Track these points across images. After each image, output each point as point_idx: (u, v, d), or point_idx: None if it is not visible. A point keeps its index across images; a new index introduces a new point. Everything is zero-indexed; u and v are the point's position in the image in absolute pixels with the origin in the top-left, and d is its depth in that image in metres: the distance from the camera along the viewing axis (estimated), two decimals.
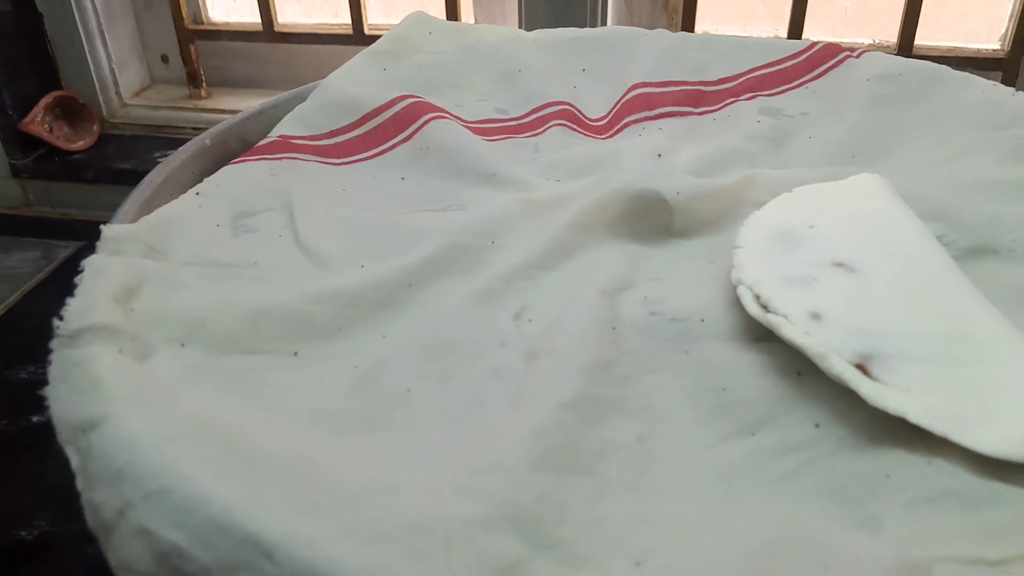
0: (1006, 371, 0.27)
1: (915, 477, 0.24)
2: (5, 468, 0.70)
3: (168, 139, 1.07)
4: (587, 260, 0.34)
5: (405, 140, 0.44)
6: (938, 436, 0.25)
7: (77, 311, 0.28)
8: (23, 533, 0.65)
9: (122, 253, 0.32)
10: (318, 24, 1.05)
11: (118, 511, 0.23)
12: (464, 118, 0.46)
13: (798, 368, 0.28)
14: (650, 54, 0.50)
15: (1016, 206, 0.36)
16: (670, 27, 0.96)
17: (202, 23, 1.08)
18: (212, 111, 1.08)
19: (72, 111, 1.03)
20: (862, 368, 0.26)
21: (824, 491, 0.25)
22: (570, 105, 0.48)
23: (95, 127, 1.04)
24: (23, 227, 1.01)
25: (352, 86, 0.47)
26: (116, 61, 1.06)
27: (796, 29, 0.85)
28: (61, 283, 0.93)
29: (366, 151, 0.44)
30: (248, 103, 1.08)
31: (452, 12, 0.94)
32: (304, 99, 0.47)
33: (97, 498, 0.24)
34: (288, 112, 0.46)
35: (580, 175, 0.40)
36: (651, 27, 0.54)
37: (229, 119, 0.45)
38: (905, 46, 0.83)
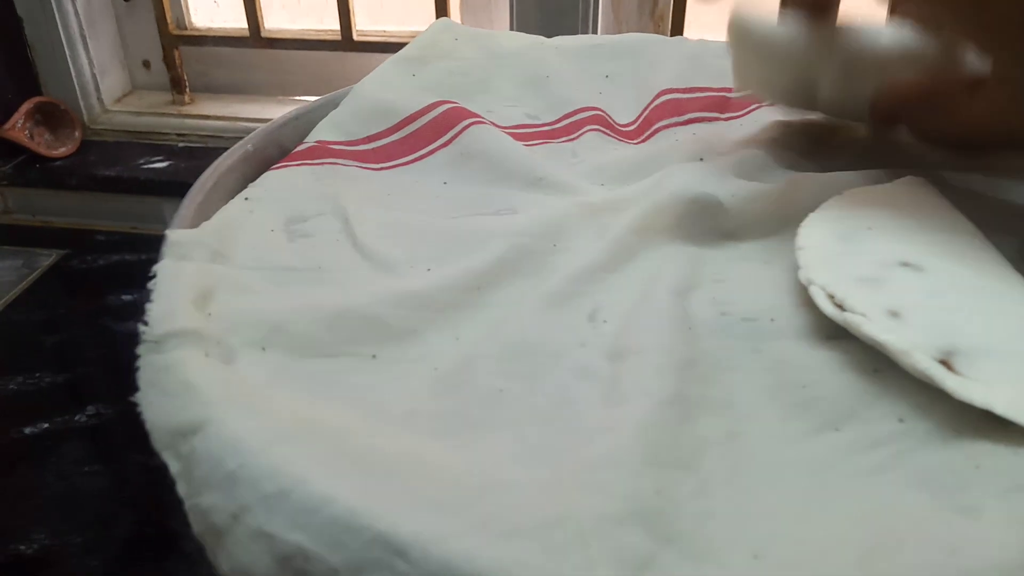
0: None
1: (1005, 466, 0.25)
2: None
3: (151, 145, 1.05)
4: (650, 262, 0.35)
5: (444, 145, 0.44)
6: (1022, 427, 0.26)
7: (159, 316, 0.28)
8: (22, 547, 0.64)
9: (190, 258, 0.32)
10: (305, 30, 1.05)
11: (232, 515, 0.23)
12: (497, 123, 0.46)
13: (875, 365, 0.29)
14: (673, 61, 0.51)
15: None
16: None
17: (186, 29, 1.07)
18: (196, 117, 1.07)
19: (53, 117, 1.01)
20: (945, 364, 0.27)
21: (916, 482, 0.25)
22: (600, 111, 0.48)
23: (77, 133, 1.02)
24: (4, 235, 0.99)
25: (385, 92, 0.47)
26: (98, 67, 1.04)
27: None
28: (44, 292, 0.91)
29: (405, 156, 0.44)
30: (233, 109, 1.07)
31: (442, 15, 0.95)
32: (337, 105, 0.47)
33: (206, 503, 0.24)
34: (322, 118, 0.46)
35: (625, 179, 0.41)
36: None
37: (266, 125, 0.44)
38: None
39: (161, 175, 1.00)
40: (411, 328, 0.32)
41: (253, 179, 0.41)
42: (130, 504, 0.68)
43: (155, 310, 0.28)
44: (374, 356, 0.30)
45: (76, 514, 0.66)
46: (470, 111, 0.45)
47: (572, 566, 0.21)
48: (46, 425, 0.75)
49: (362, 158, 0.44)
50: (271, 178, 0.40)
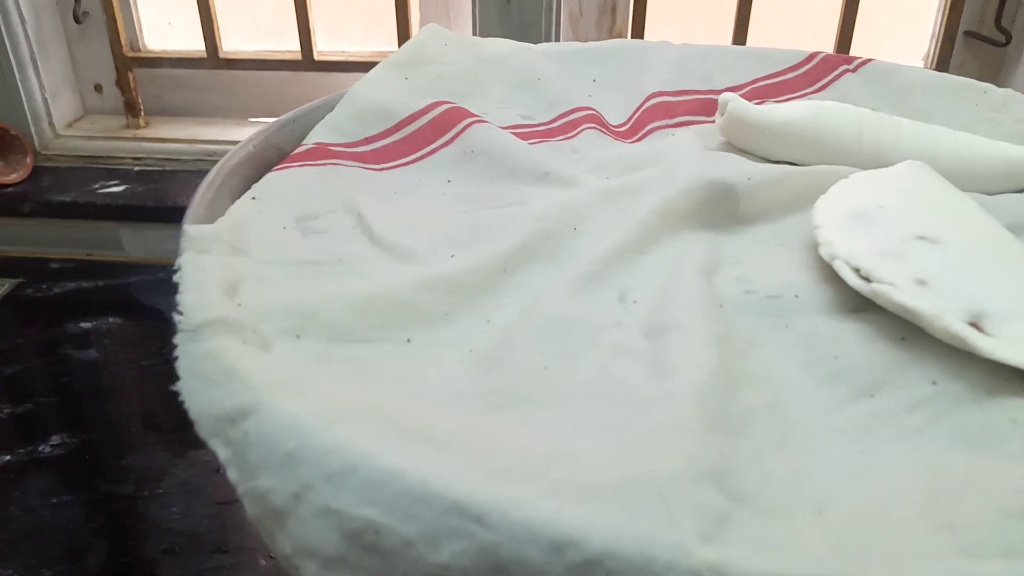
0: None
1: None
2: None
3: (106, 169, 1.03)
4: (672, 245, 0.35)
5: (446, 144, 0.44)
6: None
7: (193, 306, 0.27)
8: None
9: (210, 252, 0.31)
10: (264, 51, 1.04)
11: (294, 495, 0.23)
12: (494, 124, 0.46)
13: (901, 334, 0.30)
14: (660, 65, 0.52)
15: None
16: None
17: (139, 51, 1.05)
18: (152, 140, 1.05)
19: (3, 143, 0.98)
20: (975, 326, 0.28)
21: (957, 441, 0.26)
22: (594, 110, 0.49)
23: (28, 159, 0.99)
24: None
25: (380, 94, 0.47)
26: (49, 91, 1.02)
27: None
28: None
29: (406, 156, 0.44)
30: (190, 131, 1.05)
31: (404, 35, 0.95)
32: (332, 108, 0.46)
33: (263, 485, 0.23)
34: (318, 121, 0.45)
35: (629, 172, 0.42)
36: None
37: (265, 127, 0.44)
38: None
39: (118, 199, 0.97)
40: (442, 312, 0.31)
41: (255, 180, 0.40)
42: (101, 534, 0.65)
43: (187, 300, 0.28)
44: (408, 340, 0.30)
45: (45, 547, 0.63)
46: (469, 111, 0.46)
47: (655, 523, 0.20)
48: (8, 458, 0.71)
49: (362, 159, 0.44)
50: (274, 179, 0.40)
